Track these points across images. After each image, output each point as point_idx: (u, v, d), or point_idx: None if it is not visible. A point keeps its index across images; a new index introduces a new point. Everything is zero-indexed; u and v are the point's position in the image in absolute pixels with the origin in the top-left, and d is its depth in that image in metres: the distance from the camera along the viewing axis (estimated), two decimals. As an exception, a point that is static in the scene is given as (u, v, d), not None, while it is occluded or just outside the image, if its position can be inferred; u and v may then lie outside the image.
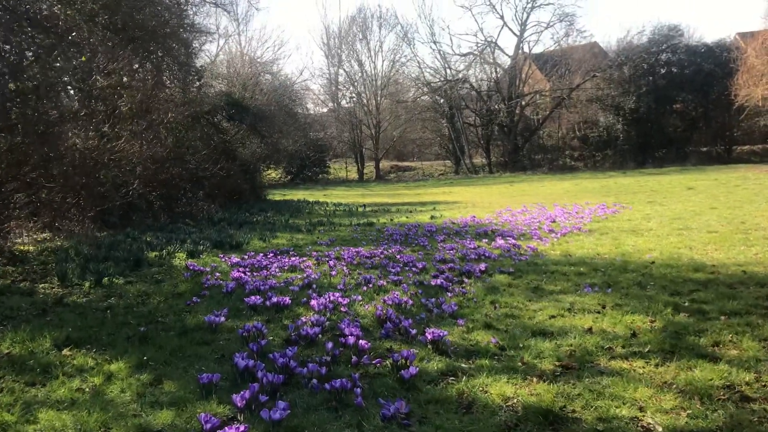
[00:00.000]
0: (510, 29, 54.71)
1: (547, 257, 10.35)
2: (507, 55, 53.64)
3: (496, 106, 51.88)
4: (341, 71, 55.22)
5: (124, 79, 20.22)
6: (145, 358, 5.31)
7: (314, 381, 4.41)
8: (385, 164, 55.58)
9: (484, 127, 52.83)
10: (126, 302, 7.97)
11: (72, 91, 18.28)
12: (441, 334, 5.29)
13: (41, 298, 8.23)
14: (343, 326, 5.71)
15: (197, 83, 27.01)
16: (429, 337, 5.27)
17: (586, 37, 52.45)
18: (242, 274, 9.09)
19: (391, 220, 17.96)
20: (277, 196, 32.55)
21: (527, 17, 52.10)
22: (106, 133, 15.98)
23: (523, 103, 51.75)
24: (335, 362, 4.98)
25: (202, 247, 12.68)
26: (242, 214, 20.69)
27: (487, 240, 12.46)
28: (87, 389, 4.65)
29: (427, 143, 57.93)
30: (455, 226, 15.23)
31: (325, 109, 57.49)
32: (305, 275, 8.91)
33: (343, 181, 50.61)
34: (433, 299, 6.92)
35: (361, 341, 5.17)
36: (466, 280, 8.32)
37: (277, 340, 5.80)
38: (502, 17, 56.59)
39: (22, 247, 13.20)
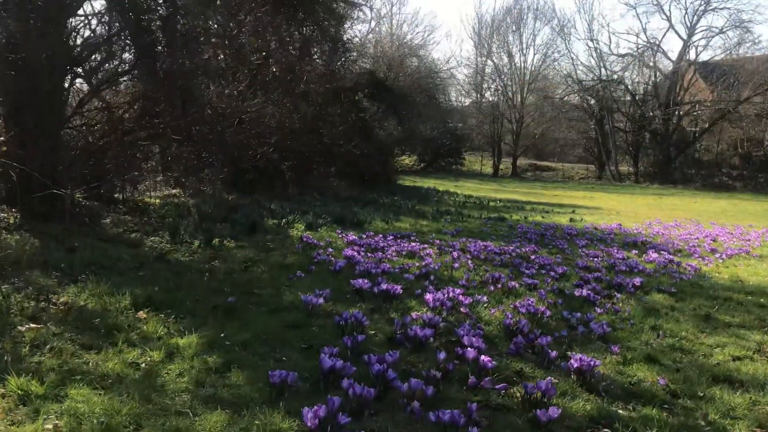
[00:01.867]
0: (676, 32, 50.18)
1: (713, 280, 8.62)
2: (669, 59, 49.35)
3: (651, 113, 47.87)
4: (489, 62, 53.34)
5: (272, 45, 20.07)
6: (222, 334, 4.45)
7: (416, 404, 3.28)
8: (522, 162, 53.19)
9: (635, 133, 48.98)
10: (228, 267, 7.29)
11: (221, 54, 18.29)
12: (591, 362, 3.98)
13: (146, 251, 7.74)
14: (462, 333, 4.52)
15: (342, 58, 26.68)
16: (575, 364, 3.98)
17: (761, 49, 46.95)
18: (355, 253, 8.17)
19: (525, 218, 16.47)
20: (407, 182, 31.74)
21: (697, 21, 47.42)
22: (246, 96, 15.74)
23: (681, 112, 47.38)
24: (447, 379, 3.82)
25: (322, 220, 12.01)
26: (370, 195, 19.99)
27: (636, 252, 10.79)
28: (143, 365, 3.83)
29: (570, 144, 54.69)
30: (598, 233, 13.53)
31: (467, 101, 55.91)
32: (424, 264, 7.81)
33: (477, 175, 48.94)
34: (578, 314, 5.55)
35: (483, 357, 3.95)
36: (616, 294, 6.84)
37: (379, 337, 4.73)
38: (668, 18, 52.17)
39: (148, 200, 13.17)
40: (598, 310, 5.94)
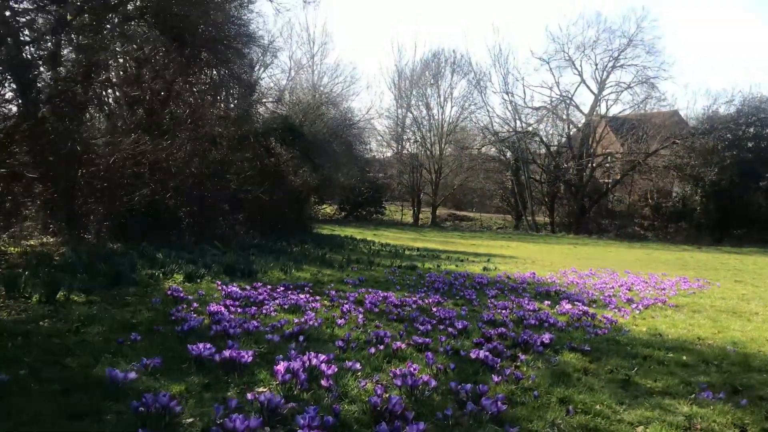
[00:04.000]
0: (588, 87, 51.50)
1: (631, 334, 7.79)
2: (582, 112, 50.75)
3: (565, 164, 48.82)
4: (409, 114, 53.43)
5: (175, 85, 18.73)
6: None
7: None
8: (442, 211, 53.12)
9: (550, 184, 49.82)
10: (54, 328, 5.88)
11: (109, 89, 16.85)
12: (472, 466, 2.86)
13: (-39, 307, 6.24)
14: (302, 422, 3.30)
15: (254, 103, 25.62)
16: (448, 470, 2.85)
17: (665, 105, 48.99)
18: (223, 309, 6.88)
19: (438, 266, 15.56)
20: (325, 230, 30.58)
21: (606, 76, 49.06)
22: (138, 135, 14.31)
23: (594, 164, 48.65)
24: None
25: (206, 270, 10.62)
26: (279, 243, 18.59)
27: (549, 302, 9.97)
28: None
29: (488, 195, 55.13)
30: (511, 281, 12.72)
31: (389, 152, 55.70)
32: (302, 320, 6.59)
33: (397, 224, 48.36)
34: (470, 385, 4.41)
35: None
36: (521, 356, 5.79)
37: (195, 429, 3.46)
38: (580, 74, 53.17)
39: (11, 249, 11.46)
40: (495, 379, 4.79)
